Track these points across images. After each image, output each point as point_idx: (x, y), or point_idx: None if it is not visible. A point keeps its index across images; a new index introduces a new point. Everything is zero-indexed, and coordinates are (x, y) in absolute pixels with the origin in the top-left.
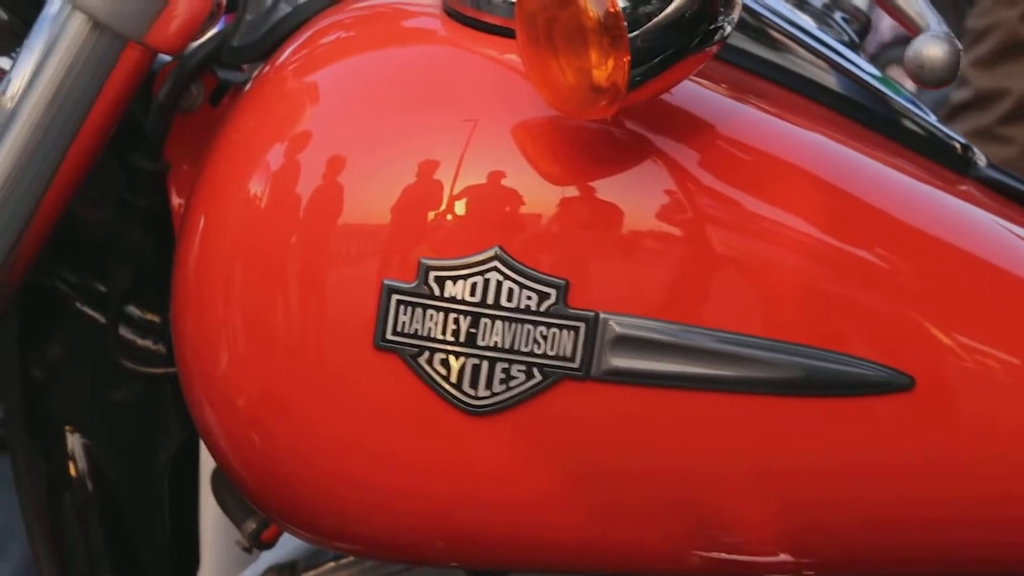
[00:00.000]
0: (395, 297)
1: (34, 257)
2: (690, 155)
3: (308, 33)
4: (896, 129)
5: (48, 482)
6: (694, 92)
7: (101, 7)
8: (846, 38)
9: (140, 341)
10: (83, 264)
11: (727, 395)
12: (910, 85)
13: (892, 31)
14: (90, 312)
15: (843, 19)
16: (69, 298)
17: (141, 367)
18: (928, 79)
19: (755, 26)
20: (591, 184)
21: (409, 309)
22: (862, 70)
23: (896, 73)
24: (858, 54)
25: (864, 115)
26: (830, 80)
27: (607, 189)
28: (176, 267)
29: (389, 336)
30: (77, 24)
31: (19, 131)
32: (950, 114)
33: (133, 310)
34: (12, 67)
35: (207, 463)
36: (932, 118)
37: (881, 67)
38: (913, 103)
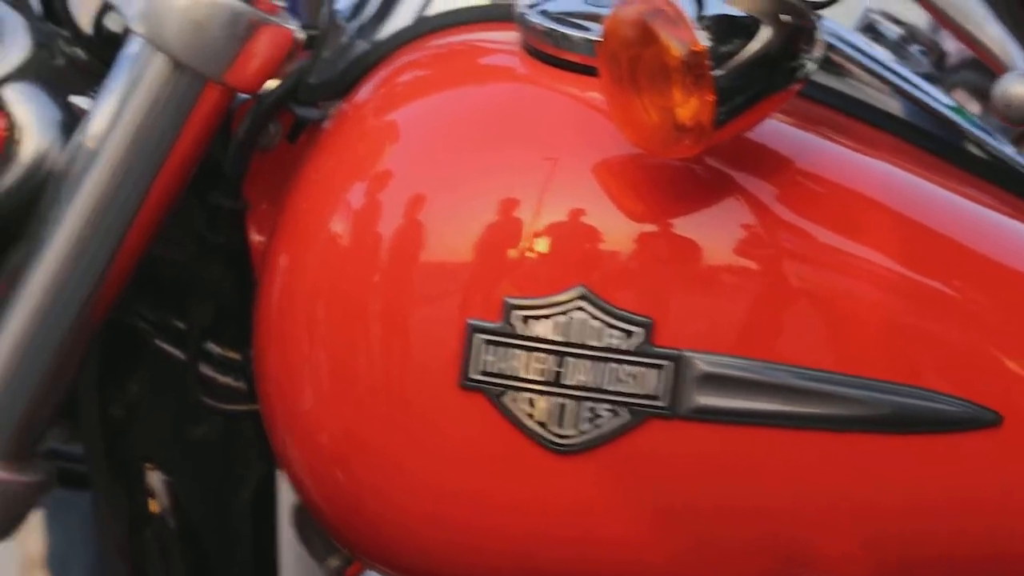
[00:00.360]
0: (480, 336)
1: (116, 296)
2: (770, 190)
3: (386, 71)
4: (971, 159)
5: (130, 519)
6: (771, 126)
7: (181, 47)
8: (922, 70)
9: (220, 378)
10: (163, 302)
11: (813, 432)
12: (974, 108)
13: (958, 54)
14: (170, 350)
15: (920, 51)
16: (149, 336)
17: (221, 404)
18: (1015, 117)
19: (832, 60)
20: (673, 221)
21: (494, 348)
22: (937, 101)
23: (961, 97)
24: (934, 85)
25: (939, 146)
26: (905, 112)
27: (689, 226)
28: (258, 305)
29: (474, 376)
30: (157, 64)
31: (101, 171)
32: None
33: (213, 347)
34: (93, 107)
35: (286, 499)
36: (1007, 147)
37: (948, 90)
38: (987, 132)
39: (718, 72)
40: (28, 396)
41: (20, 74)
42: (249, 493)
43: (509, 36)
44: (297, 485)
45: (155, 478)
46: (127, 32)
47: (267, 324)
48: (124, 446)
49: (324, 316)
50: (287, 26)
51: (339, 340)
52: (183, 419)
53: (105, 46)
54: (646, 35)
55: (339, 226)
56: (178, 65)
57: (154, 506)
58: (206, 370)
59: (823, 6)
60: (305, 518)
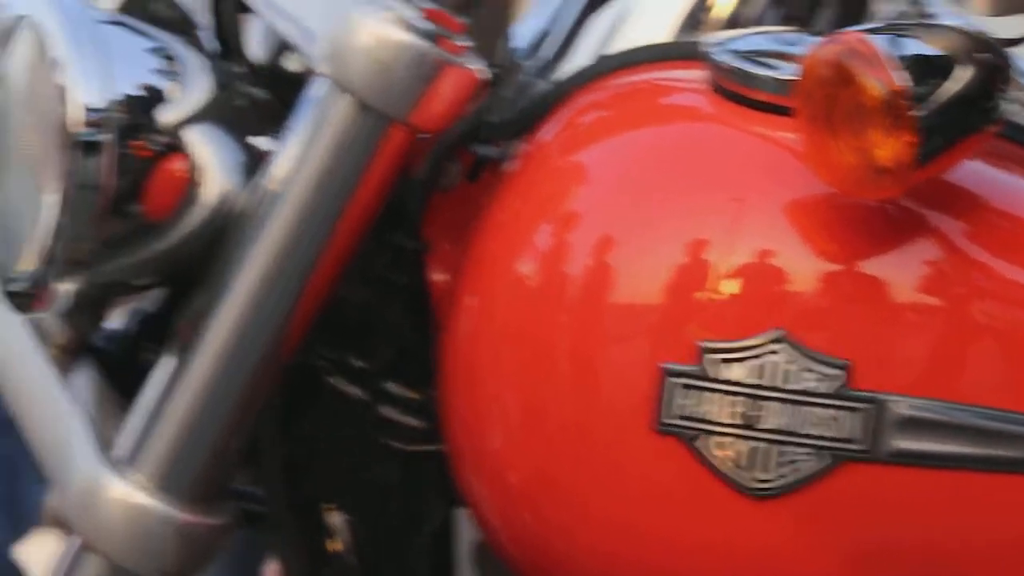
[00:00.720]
0: (674, 380)
1: (301, 339)
2: (963, 229)
3: (568, 110)
4: None
5: (311, 559)
6: (964, 164)
7: (367, 88)
8: None
9: (401, 419)
10: (343, 342)
11: (1014, 476)
12: None
13: None
14: (348, 389)
15: None
16: (329, 376)
17: (402, 445)
18: None
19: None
20: (867, 261)
21: (688, 392)
22: None
23: None
24: None
25: None
26: None
27: (883, 266)
28: (442, 346)
29: (668, 420)
30: (342, 105)
31: (286, 213)
32: None
33: (393, 387)
34: (276, 149)
35: (464, 538)
36: None
37: None
38: None
39: (918, 112)
40: (213, 439)
41: (202, 115)
42: (429, 533)
43: (692, 74)
44: (483, 524)
45: (336, 518)
46: (307, 72)
47: (453, 364)
48: (304, 486)
49: (512, 356)
50: (472, 67)
51: (527, 380)
52: (363, 459)
53: (283, 86)
54: (843, 75)
55: (526, 267)
56: (363, 106)
57: (334, 545)
58: (386, 410)
59: (1015, 43)
60: (486, 557)
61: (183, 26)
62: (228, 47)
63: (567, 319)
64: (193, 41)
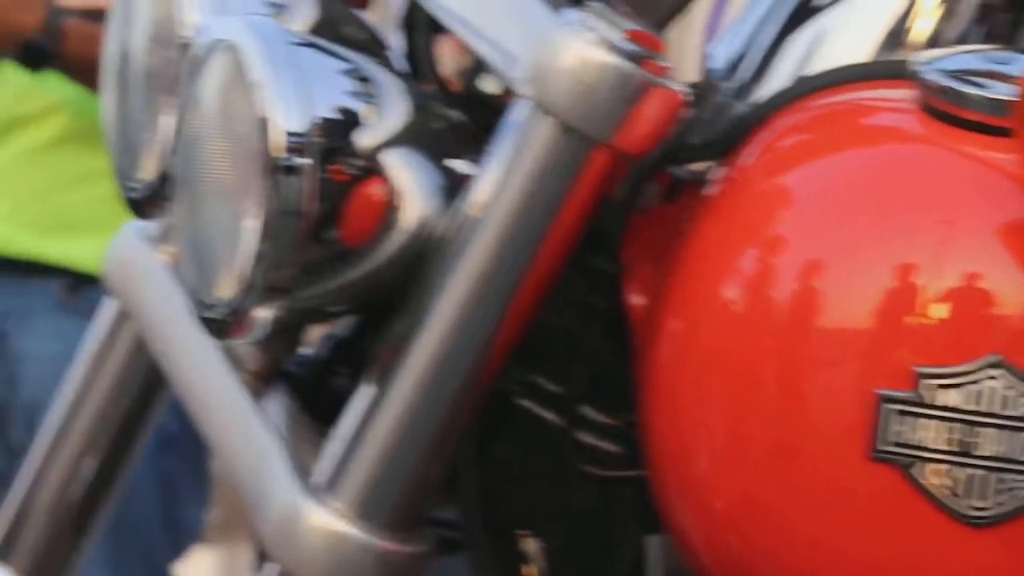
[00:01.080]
0: (889, 406)
1: (502, 365)
2: None
3: (769, 132)
4: None
5: None
6: None
7: (570, 109)
8: None
9: (598, 444)
10: (539, 367)
11: None
12: None
13: None
14: (545, 415)
15: None
16: (525, 401)
17: (600, 470)
18: None
19: None
20: None
21: (904, 418)
22: None
23: None
24: None
25: None
26: None
27: None
28: (643, 370)
29: (883, 447)
30: (544, 128)
31: (488, 238)
32: None
33: (590, 412)
34: (476, 173)
35: (656, 564)
36: None
37: None
38: None
39: None
40: (414, 465)
41: (400, 138)
42: (626, 561)
43: (897, 94)
44: (685, 550)
45: (530, 544)
46: (505, 94)
47: (655, 389)
48: (500, 511)
49: (717, 381)
50: (675, 88)
51: (733, 405)
52: (558, 485)
53: (479, 107)
54: None
55: (731, 291)
56: (566, 128)
57: (529, 572)
58: (583, 436)
59: None
60: None
61: (373, 47)
62: (419, 68)
63: (774, 343)
64: (384, 62)
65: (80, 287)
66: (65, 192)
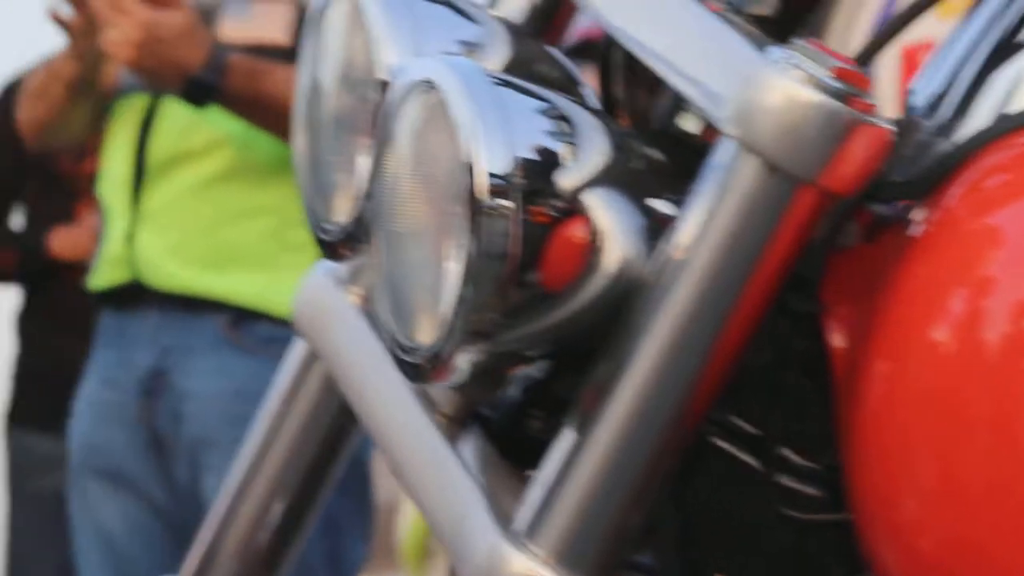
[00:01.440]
0: None
1: (706, 408)
2: None
3: (973, 172)
4: None
5: None
6: None
7: (776, 148)
8: None
9: (798, 487)
10: (736, 407)
11: None
12: None
13: None
14: (743, 456)
15: None
16: (721, 442)
17: (800, 513)
18: None
19: None
20: None
21: None
22: None
23: None
24: None
25: None
26: None
27: None
28: (847, 412)
29: None
30: (750, 168)
31: (692, 280)
32: None
33: (788, 454)
34: (679, 214)
35: None
36: None
37: None
38: None
39: None
40: (618, 511)
41: (601, 179)
42: None
43: None
44: None
45: None
46: (704, 133)
47: (861, 431)
48: (696, 555)
49: (927, 423)
50: (883, 126)
51: (945, 447)
52: (756, 527)
53: (679, 146)
54: None
55: (941, 333)
56: (772, 168)
57: None
58: (783, 478)
59: None
60: None
61: (568, 85)
62: (614, 106)
63: (988, 384)
64: (579, 100)
65: (242, 322)
66: (229, 227)
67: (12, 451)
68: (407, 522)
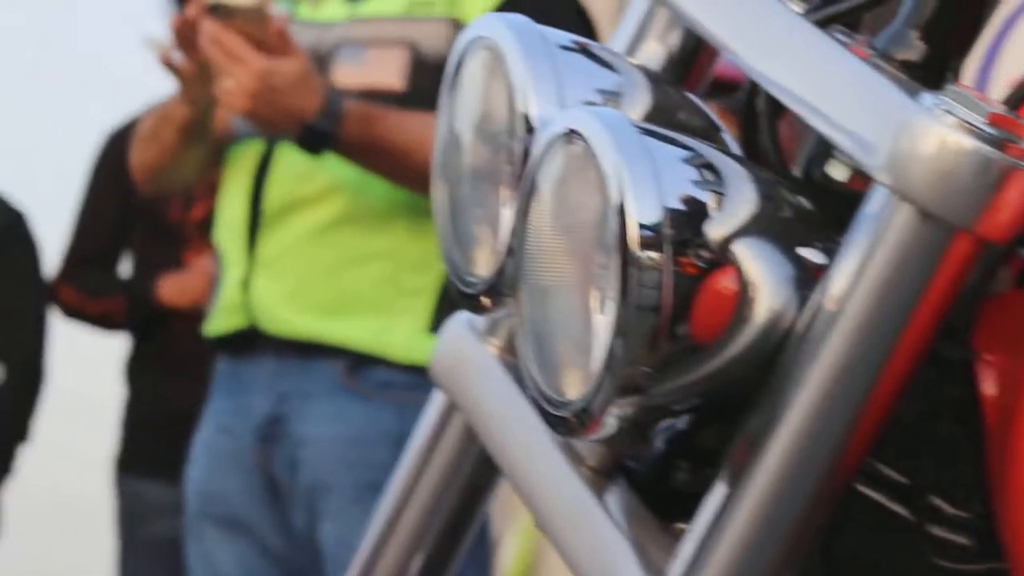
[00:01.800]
0: None
1: (861, 459)
2: None
3: None
4: None
5: None
6: None
7: (930, 196)
8: None
9: (949, 536)
10: (884, 455)
11: None
12: None
13: None
14: (892, 506)
15: None
16: (870, 491)
17: (952, 563)
18: None
19: None
20: None
21: None
22: None
23: None
24: None
25: None
26: None
27: None
28: (1001, 461)
29: None
30: (903, 216)
31: (846, 332)
32: None
33: (940, 503)
34: (831, 264)
35: None
36: None
37: None
38: None
39: None
40: (769, 565)
41: (750, 228)
42: None
43: None
44: None
45: None
46: (852, 180)
47: (1016, 480)
48: None
49: None
50: None
51: None
52: None
53: (828, 195)
54: None
55: None
56: (926, 215)
57: None
58: (934, 528)
59: None
60: None
61: (710, 132)
62: (758, 153)
63: None
64: (723, 148)
65: (358, 368)
66: (344, 272)
67: (123, 498)
68: (509, 556)
